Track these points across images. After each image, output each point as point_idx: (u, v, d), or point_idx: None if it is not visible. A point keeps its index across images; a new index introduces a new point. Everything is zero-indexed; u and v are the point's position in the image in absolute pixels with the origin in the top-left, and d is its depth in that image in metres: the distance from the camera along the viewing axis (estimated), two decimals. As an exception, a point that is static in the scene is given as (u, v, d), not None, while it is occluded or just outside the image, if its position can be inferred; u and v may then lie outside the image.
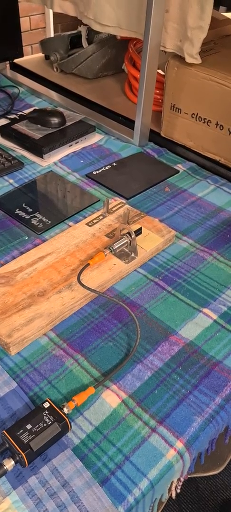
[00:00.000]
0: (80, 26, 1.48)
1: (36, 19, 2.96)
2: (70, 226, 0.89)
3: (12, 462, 0.52)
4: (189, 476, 0.60)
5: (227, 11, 1.56)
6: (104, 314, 0.72)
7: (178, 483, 0.57)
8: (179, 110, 1.12)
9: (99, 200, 0.97)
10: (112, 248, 0.78)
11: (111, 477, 0.52)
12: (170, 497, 0.58)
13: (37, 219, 0.90)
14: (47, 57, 1.57)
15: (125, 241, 0.79)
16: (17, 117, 1.22)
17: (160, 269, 0.81)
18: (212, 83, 1.02)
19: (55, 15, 1.75)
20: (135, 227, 0.83)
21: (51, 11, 2.07)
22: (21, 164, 1.07)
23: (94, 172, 1.06)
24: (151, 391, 0.61)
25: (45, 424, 0.54)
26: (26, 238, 0.86)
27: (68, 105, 1.32)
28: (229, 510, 1.33)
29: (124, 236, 0.80)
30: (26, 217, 0.91)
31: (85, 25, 1.35)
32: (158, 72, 1.15)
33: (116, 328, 0.70)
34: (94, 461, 0.54)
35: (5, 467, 0.51)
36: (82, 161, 1.11)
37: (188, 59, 1.05)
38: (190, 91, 1.08)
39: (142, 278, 0.79)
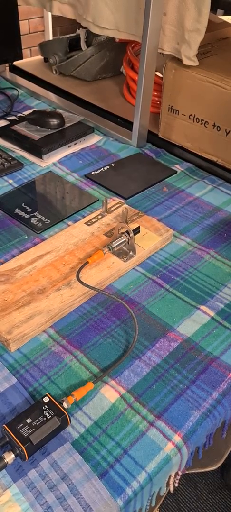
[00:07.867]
0: (79, 29, 1.49)
1: (35, 22, 2.97)
2: (69, 225, 0.90)
3: (12, 456, 0.52)
4: (187, 472, 0.61)
5: (225, 14, 1.58)
6: (103, 311, 0.73)
7: (176, 477, 0.58)
8: (177, 112, 1.13)
9: (98, 200, 0.98)
10: (111, 246, 0.79)
11: (110, 470, 0.53)
12: (169, 495, 0.59)
13: (37, 219, 0.91)
14: (46, 60, 1.58)
15: (123, 239, 0.80)
16: (17, 119, 1.23)
17: (158, 267, 0.82)
18: (209, 85, 1.04)
19: (54, 18, 1.76)
20: (133, 226, 0.84)
21: (50, 14, 2.07)
22: (20, 165, 1.08)
23: (93, 173, 1.07)
24: (149, 386, 0.62)
25: (45, 418, 0.55)
26: (26, 237, 0.87)
27: (67, 106, 1.33)
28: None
29: (122, 235, 0.80)
30: (25, 217, 0.92)
31: (84, 28, 1.36)
32: (155, 74, 1.16)
33: (115, 325, 0.70)
34: (93, 454, 0.54)
35: (5, 461, 0.52)
36: (81, 161, 1.12)
37: (186, 61, 1.06)
38: (188, 93, 1.09)
39: (140, 276, 0.80)
